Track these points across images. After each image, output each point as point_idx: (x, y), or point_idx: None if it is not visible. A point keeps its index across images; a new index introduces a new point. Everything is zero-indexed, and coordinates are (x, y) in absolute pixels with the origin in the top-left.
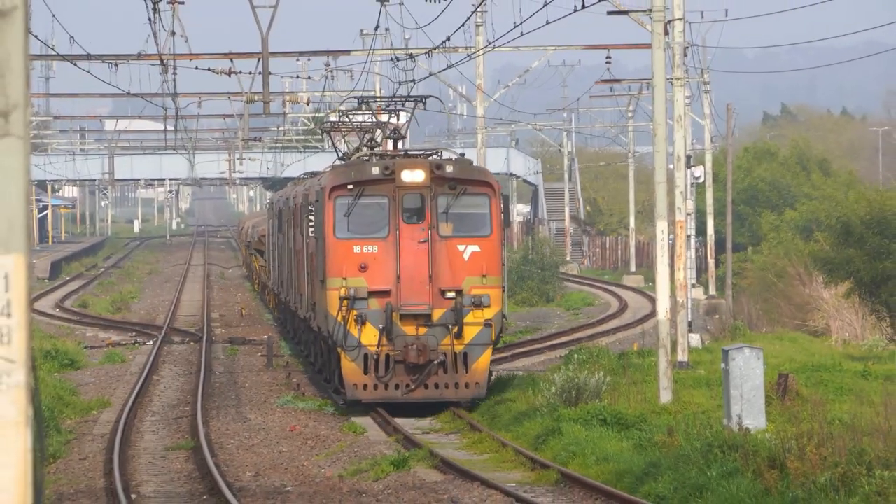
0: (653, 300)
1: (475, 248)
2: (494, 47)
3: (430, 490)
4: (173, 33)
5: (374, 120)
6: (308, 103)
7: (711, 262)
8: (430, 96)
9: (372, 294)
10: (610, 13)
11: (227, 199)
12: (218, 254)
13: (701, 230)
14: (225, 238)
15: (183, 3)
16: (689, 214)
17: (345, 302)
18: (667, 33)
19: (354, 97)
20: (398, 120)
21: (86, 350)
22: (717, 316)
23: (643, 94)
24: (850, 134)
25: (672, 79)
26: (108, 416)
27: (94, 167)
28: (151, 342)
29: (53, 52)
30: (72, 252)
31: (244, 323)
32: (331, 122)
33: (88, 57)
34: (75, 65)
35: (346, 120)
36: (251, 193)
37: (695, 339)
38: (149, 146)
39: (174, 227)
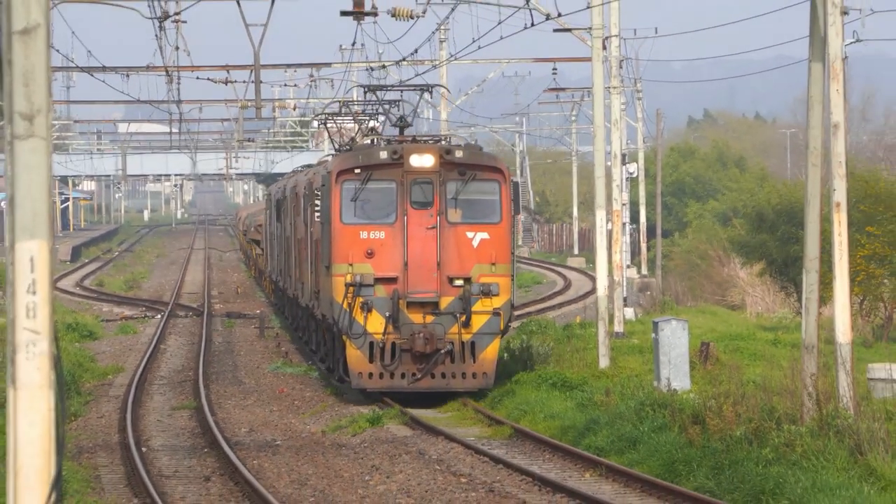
0: (593, 279)
1: (484, 235)
2: (456, 59)
3: (401, 443)
4: (177, 48)
5: (380, 107)
6: (294, 109)
7: (643, 246)
8: (438, 85)
9: (378, 281)
10: (556, 31)
11: (225, 192)
12: (217, 240)
13: (634, 218)
14: (223, 226)
15: (185, 21)
16: (624, 205)
17: (351, 288)
18: (605, 48)
19: (360, 86)
20: (401, 109)
21: (102, 323)
22: (648, 293)
23: (584, 100)
24: (763, 135)
25: (609, 88)
26: (121, 381)
27: (109, 164)
28: (159, 316)
29: (73, 65)
30: (90, 238)
31: (239, 299)
32: (325, 114)
33: (103, 69)
34: (92, 75)
35: (350, 108)
36: (245, 187)
37: (629, 312)
38: (156, 146)
39: (179, 216)
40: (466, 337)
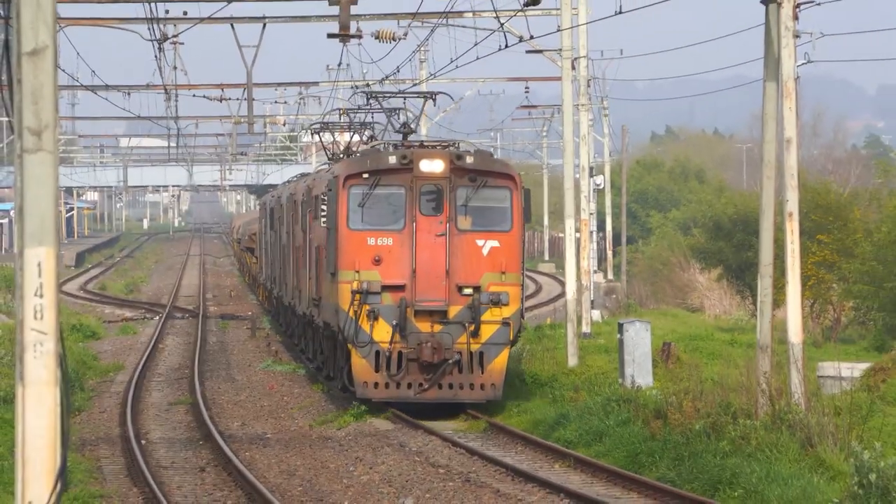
0: (562, 283)
1: (494, 243)
2: (435, 78)
3: (383, 436)
4: (175, 68)
5: (382, 114)
6: (284, 124)
7: (610, 252)
8: (441, 93)
9: (386, 288)
10: (528, 52)
11: (219, 201)
12: (211, 246)
13: (601, 227)
14: (217, 234)
15: (183, 43)
16: (591, 214)
17: (357, 296)
18: (573, 68)
19: (363, 91)
20: (401, 117)
21: (104, 324)
22: (613, 296)
23: (555, 117)
24: (721, 150)
25: (578, 105)
26: (122, 378)
27: (111, 176)
28: (158, 318)
29: (78, 83)
30: (93, 245)
31: (232, 302)
32: (320, 123)
33: (106, 87)
34: (96, 93)
35: (350, 116)
36: (238, 197)
37: (596, 314)
38: (155, 159)
39: (176, 224)
40: (475, 347)
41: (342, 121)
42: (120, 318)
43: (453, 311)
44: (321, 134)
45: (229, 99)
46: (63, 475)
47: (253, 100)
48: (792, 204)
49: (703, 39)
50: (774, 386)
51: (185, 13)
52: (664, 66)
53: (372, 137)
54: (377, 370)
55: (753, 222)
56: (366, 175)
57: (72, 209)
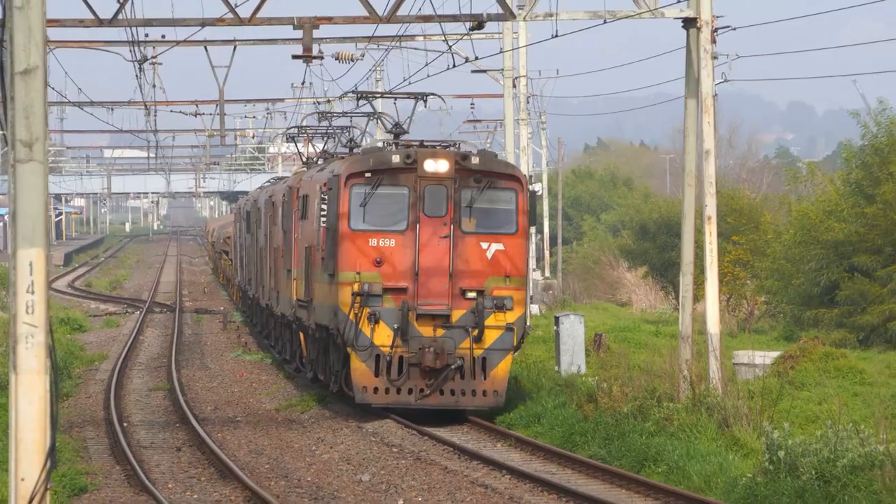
0: None
1: (499, 246)
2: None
3: (342, 418)
4: (154, 86)
5: (375, 112)
6: (253, 137)
7: (547, 252)
8: (432, 94)
9: (387, 291)
10: (473, 71)
11: (194, 207)
12: (187, 248)
13: (539, 229)
14: (192, 236)
15: (161, 64)
16: None
17: (358, 298)
18: (514, 86)
19: (352, 92)
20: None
21: (90, 318)
22: (550, 292)
23: (497, 130)
24: (647, 160)
25: (519, 120)
26: (106, 366)
27: (96, 184)
28: (138, 312)
29: (66, 100)
30: (80, 246)
31: (206, 298)
32: (297, 127)
33: (91, 103)
34: (82, 109)
35: (329, 119)
36: (212, 203)
37: (535, 308)
38: (136, 168)
39: (155, 228)
40: (478, 352)
41: (321, 125)
42: (104, 312)
43: (456, 315)
44: (296, 139)
45: (203, 114)
46: (52, 454)
47: (224, 115)
48: (710, 209)
49: (631, 61)
50: (695, 372)
51: (163, 36)
52: (596, 85)
53: (351, 140)
54: (377, 375)
55: (676, 225)
56: (368, 174)
57: (60, 214)
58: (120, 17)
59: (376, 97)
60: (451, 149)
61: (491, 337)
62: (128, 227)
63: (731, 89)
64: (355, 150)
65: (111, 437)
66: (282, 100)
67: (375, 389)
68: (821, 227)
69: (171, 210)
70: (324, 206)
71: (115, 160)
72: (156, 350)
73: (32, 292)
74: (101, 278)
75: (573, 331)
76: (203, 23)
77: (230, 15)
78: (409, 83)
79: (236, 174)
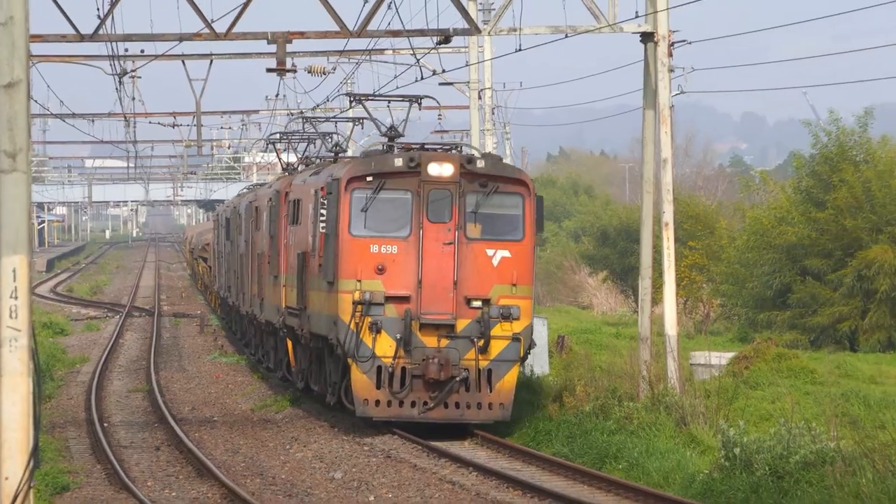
0: None
1: (505, 253)
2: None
3: (315, 417)
4: (133, 98)
5: (370, 117)
6: (229, 147)
7: None
8: (427, 96)
9: (389, 299)
10: (441, 84)
11: (172, 214)
12: (165, 254)
13: None
14: (170, 243)
15: (140, 77)
16: None
17: (359, 307)
18: (480, 98)
19: (345, 94)
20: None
21: (72, 322)
22: None
23: (463, 140)
24: (607, 169)
25: (484, 130)
26: (87, 369)
27: (77, 193)
28: (118, 316)
29: (48, 112)
30: (62, 253)
31: (184, 302)
32: (280, 133)
33: (73, 115)
34: (64, 121)
35: (314, 124)
36: (189, 211)
37: None
38: (116, 178)
39: (134, 235)
40: (483, 364)
41: (306, 129)
42: (85, 316)
43: (461, 324)
44: (276, 145)
45: (181, 125)
46: (35, 454)
47: (201, 126)
48: (668, 215)
49: (591, 73)
50: (654, 372)
51: (142, 51)
52: (558, 96)
53: (337, 145)
54: (378, 387)
55: (635, 231)
56: (370, 178)
57: (43, 222)
58: (100, 32)
59: (369, 100)
60: (454, 152)
61: (497, 348)
62: (108, 234)
63: (687, 101)
64: (340, 156)
65: (92, 437)
66: (256, 111)
67: (377, 402)
68: (773, 232)
69: (149, 218)
70: (323, 211)
71: (96, 170)
72: (135, 353)
73: (16, 297)
74: (83, 284)
75: (537, 333)
76: (181, 38)
77: (207, 30)
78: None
79: (213, 183)
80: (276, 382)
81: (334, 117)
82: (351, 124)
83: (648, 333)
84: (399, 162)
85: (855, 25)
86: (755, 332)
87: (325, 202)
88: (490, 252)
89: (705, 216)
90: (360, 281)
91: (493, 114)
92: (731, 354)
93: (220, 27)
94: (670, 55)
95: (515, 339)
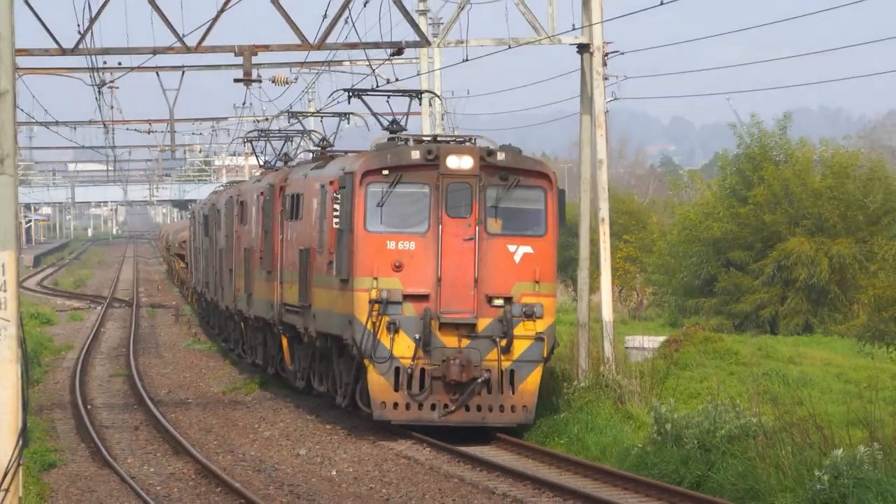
0: None
1: (527, 249)
2: (319, 114)
3: (281, 400)
4: (112, 107)
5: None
6: (200, 151)
7: None
8: (427, 91)
9: (407, 298)
10: (394, 94)
11: (149, 214)
12: (143, 250)
13: None
14: (147, 240)
15: (118, 87)
16: None
17: (376, 306)
18: (431, 105)
19: (344, 89)
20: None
21: (57, 312)
22: None
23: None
24: None
25: (435, 135)
26: (72, 355)
27: (61, 194)
28: (100, 307)
29: (34, 120)
30: (47, 249)
31: (160, 294)
32: (258, 130)
33: (56, 123)
34: (48, 128)
35: (300, 119)
36: (164, 210)
37: None
38: (97, 180)
39: (114, 233)
40: (506, 364)
41: (290, 125)
42: (69, 307)
43: (482, 324)
44: (255, 143)
45: (156, 131)
46: (24, 434)
47: (175, 132)
48: (604, 212)
49: (533, 81)
50: (593, 356)
51: (119, 63)
52: (503, 103)
53: (324, 140)
54: (397, 389)
55: (574, 227)
56: (386, 171)
57: (30, 221)
58: (81, 46)
59: (369, 95)
60: (468, 144)
61: (520, 348)
62: (90, 232)
63: (620, 106)
64: (326, 151)
65: (76, 419)
66: (225, 118)
67: (395, 405)
68: (700, 226)
69: (128, 217)
70: (336, 206)
71: (78, 173)
72: (116, 341)
73: (5, 290)
74: (67, 277)
75: None
76: (155, 51)
77: (179, 44)
78: (337, 102)
79: (186, 184)
80: (246, 367)
81: (319, 111)
82: (337, 119)
83: (587, 320)
84: (416, 154)
85: (772, 36)
86: (684, 317)
87: (339, 196)
88: (512, 248)
89: (638, 212)
90: (376, 279)
91: (442, 119)
92: (662, 338)
93: (191, 41)
94: (605, 65)
95: (539, 338)
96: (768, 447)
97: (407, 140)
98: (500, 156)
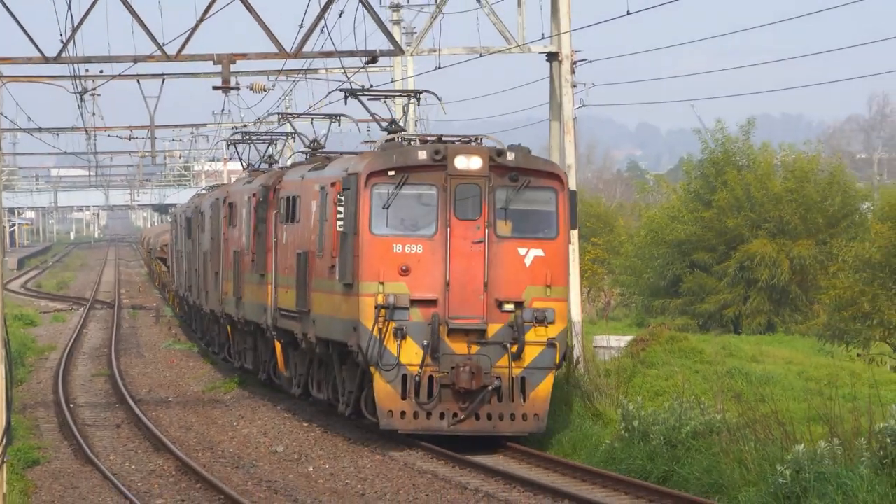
0: None
1: (539, 252)
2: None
3: (259, 399)
4: (94, 114)
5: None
6: (180, 157)
7: None
8: (426, 91)
9: (415, 303)
10: (370, 99)
11: (130, 218)
12: (124, 253)
13: None
14: (129, 243)
15: (100, 95)
16: None
17: (382, 311)
18: (405, 112)
19: (341, 89)
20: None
21: (41, 314)
22: None
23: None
24: None
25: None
26: (55, 356)
27: (45, 199)
28: (82, 308)
29: (18, 127)
30: (31, 252)
31: (141, 296)
32: (242, 131)
33: (40, 129)
34: (32, 134)
35: (290, 119)
36: (145, 214)
37: None
38: (79, 185)
39: (96, 236)
40: (517, 371)
41: (281, 125)
42: (53, 309)
43: (492, 329)
44: (238, 146)
45: (136, 137)
46: (8, 432)
47: (155, 138)
48: None
49: (503, 89)
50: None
51: (101, 71)
52: (475, 110)
53: (315, 141)
54: (404, 397)
55: None
56: (392, 172)
57: (14, 225)
58: (64, 55)
59: (367, 97)
60: (474, 144)
61: (531, 354)
62: (72, 235)
63: (588, 113)
64: (318, 152)
65: (59, 417)
66: (204, 125)
67: (402, 414)
68: (666, 229)
69: (109, 221)
70: (339, 209)
71: (61, 178)
72: (98, 341)
73: None
74: (50, 280)
75: None
76: (135, 59)
77: (159, 52)
78: (315, 109)
79: (166, 189)
80: (224, 366)
81: (307, 112)
82: (328, 122)
83: None
84: (423, 155)
85: (735, 42)
86: (650, 317)
87: (342, 198)
88: (522, 251)
89: (606, 215)
90: (382, 283)
91: (416, 126)
92: (629, 338)
93: (171, 49)
94: (573, 73)
95: (551, 344)
96: (732, 443)
97: (410, 140)
98: (510, 156)
